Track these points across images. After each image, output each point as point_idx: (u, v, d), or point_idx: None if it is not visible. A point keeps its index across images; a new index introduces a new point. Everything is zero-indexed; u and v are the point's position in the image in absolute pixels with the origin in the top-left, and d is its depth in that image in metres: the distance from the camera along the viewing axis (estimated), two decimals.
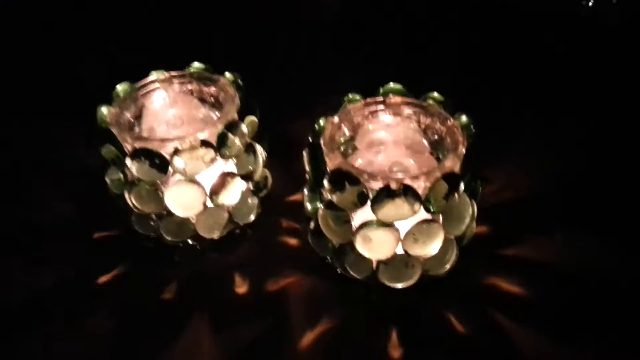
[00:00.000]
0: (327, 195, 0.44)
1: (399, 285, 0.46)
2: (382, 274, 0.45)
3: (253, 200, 0.52)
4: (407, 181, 0.41)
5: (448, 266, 0.46)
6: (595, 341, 0.46)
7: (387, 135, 0.50)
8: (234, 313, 0.50)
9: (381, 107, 0.48)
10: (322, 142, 0.44)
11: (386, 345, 0.47)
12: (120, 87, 0.51)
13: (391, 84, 0.49)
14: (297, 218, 0.57)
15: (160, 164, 0.46)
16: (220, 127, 0.46)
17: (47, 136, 0.70)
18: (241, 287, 0.52)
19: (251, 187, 0.53)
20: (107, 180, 0.50)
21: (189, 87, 0.53)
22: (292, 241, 0.56)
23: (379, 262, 0.45)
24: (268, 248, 0.55)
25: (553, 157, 0.63)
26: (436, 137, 0.48)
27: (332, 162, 0.43)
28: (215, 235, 0.51)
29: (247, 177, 0.51)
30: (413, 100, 0.48)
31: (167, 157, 0.46)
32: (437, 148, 0.47)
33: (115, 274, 0.54)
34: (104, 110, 0.48)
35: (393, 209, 0.41)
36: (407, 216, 0.42)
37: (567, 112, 0.69)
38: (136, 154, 0.45)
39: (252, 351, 0.48)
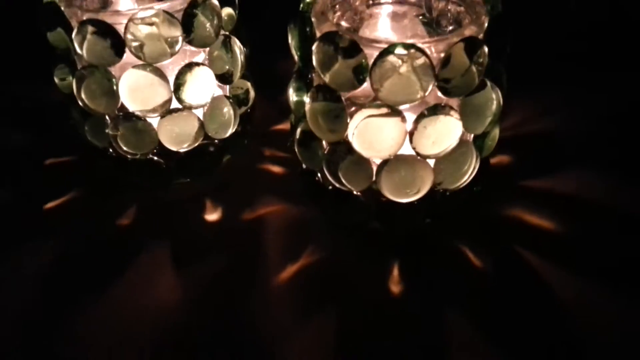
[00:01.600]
0: (317, 78, 0.35)
1: (404, 199, 0.37)
2: (384, 182, 0.36)
3: (230, 111, 0.43)
4: (418, 45, 0.32)
5: (466, 178, 0.37)
6: (627, 279, 0.37)
7: (391, 35, 0.41)
8: (201, 243, 0.41)
9: None
10: (311, 13, 0.36)
11: (385, 280, 0.38)
12: None
13: None
14: (283, 149, 0.48)
15: (114, 41, 0.37)
16: (183, 3, 0.38)
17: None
18: (211, 215, 0.43)
19: (227, 93, 0.44)
20: (56, 80, 0.42)
21: None
22: (276, 169, 0.47)
23: (380, 167, 0.36)
24: (247, 174, 0.46)
25: (583, 92, 0.54)
26: (453, 25, 0.39)
27: (324, 31, 0.34)
28: (184, 147, 0.42)
29: (222, 77, 0.42)
30: None
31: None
32: None
33: (66, 199, 0.45)
34: None
35: (398, 81, 0.32)
36: (416, 93, 0.33)
37: (604, 51, 0.60)
38: (84, 26, 0.37)
39: (220, 287, 0.38)
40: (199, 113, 0.42)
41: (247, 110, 0.46)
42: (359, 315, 0.36)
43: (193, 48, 0.40)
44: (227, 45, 0.42)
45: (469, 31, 0.34)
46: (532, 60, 0.54)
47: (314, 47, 0.34)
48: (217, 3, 0.40)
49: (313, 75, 0.37)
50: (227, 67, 0.42)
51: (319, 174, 0.40)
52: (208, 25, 0.39)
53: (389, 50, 0.32)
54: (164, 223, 0.43)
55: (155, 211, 0.44)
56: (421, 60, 0.32)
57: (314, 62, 0.34)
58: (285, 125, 0.50)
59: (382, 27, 0.41)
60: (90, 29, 0.37)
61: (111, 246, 0.41)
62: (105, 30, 0.37)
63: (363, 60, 0.33)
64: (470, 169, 0.37)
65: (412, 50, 0.31)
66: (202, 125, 0.42)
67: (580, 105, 0.52)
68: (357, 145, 0.35)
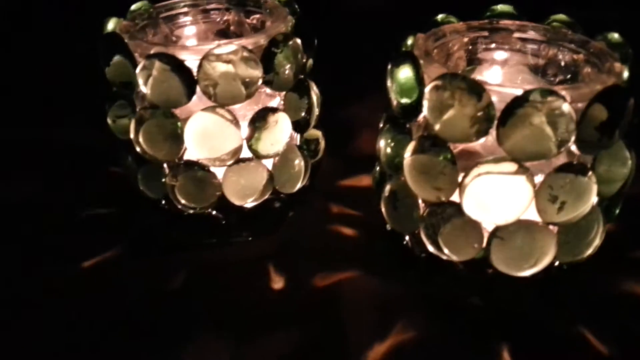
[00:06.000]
0: (417, 127, 0.31)
1: (519, 273, 0.31)
2: (497, 252, 0.31)
3: (301, 163, 0.38)
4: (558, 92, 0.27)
5: (591, 249, 0.32)
6: None
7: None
8: (267, 315, 0.35)
9: (485, 33, 0.36)
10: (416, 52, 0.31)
11: None
12: (135, 6, 0.39)
13: (499, 6, 0.36)
14: (352, 207, 0.43)
15: (185, 80, 0.32)
16: (264, 40, 0.34)
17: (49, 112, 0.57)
18: (277, 282, 0.37)
19: (298, 143, 0.39)
20: (109, 121, 0.37)
21: (225, 17, 0.41)
22: (346, 230, 0.41)
23: (493, 234, 0.30)
24: (314, 235, 0.41)
25: None
26: (565, 74, 0.35)
27: (435, 73, 0.29)
28: (249, 201, 0.37)
29: (297, 125, 0.37)
30: (530, 23, 0.35)
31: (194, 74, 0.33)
32: None
33: (106, 257, 0.39)
34: (112, 21, 0.36)
35: (529, 133, 0.27)
36: (548, 149, 0.27)
37: None
38: (152, 60, 0.32)
39: None
40: (268, 164, 0.37)
41: (316, 163, 0.41)
42: None
43: (268, 91, 0.36)
44: (304, 90, 0.37)
45: (606, 78, 0.29)
46: None
47: (427, 90, 0.29)
48: (300, 43, 0.35)
49: (411, 124, 0.32)
50: (303, 113, 0.37)
51: (407, 238, 0.35)
52: (288, 67, 0.35)
53: (526, 97, 0.27)
54: (222, 288, 0.37)
55: (212, 274, 0.38)
56: (562, 109, 0.27)
57: (425, 108, 0.29)
58: (352, 181, 0.45)
59: (480, 74, 0.37)
60: (158, 64, 0.32)
61: (159, 315, 0.35)
62: (177, 67, 0.32)
63: (489, 108, 0.28)
64: (597, 239, 0.32)
65: (551, 98, 0.27)
66: (271, 177, 0.37)
67: None
68: (468, 207, 0.30)
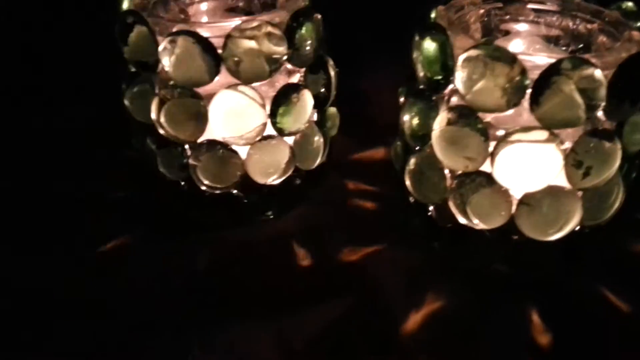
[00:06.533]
0: (441, 100, 0.31)
1: (547, 238, 0.32)
2: (523, 220, 0.31)
3: (320, 140, 0.38)
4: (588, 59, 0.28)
5: (612, 213, 0.33)
6: None
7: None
8: (297, 293, 0.35)
9: (499, 5, 0.36)
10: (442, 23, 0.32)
11: (528, 329, 0.33)
12: None
13: None
14: (367, 181, 0.43)
15: (210, 58, 0.32)
16: (286, 15, 0.33)
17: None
18: (304, 259, 0.37)
19: (315, 119, 0.39)
20: (127, 101, 0.36)
21: None
22: (368, 204, 0.41)
23: (523, 201, 0.31)
24: (335, 209, 0.41)
25: None
26: (578, 43, 0.36)
27: (461, 44, 0.30)
28: (271, 179, 0.37)
29: (316, 101, 0.37)
30: None
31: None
32: None
33: (128, 240, 0.39)
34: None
35: (559, 101, 0.28)
36: (577, 116, 0.28)
37: None
38: (176, 38, 0.32)
39: (331, 341, 0.32)
40: (289, 141, 0.37)
41: (333, 139, 0.42)
42: None
43: (289, 67, 0.36)
44: (323, 66, 0.37)
45: (630, 48, 0.30)
46: None
47: (459, 61, 0.29)
48: (320, 18, 0.35)
49: (437, 97, 0.33)
50: (323, 90, 0.37)
51: (431, 209, 0.36)
52: (309, 42, 0.35)
53: (558, 65, 0.27)
54: (248, 268, 0.37)
55: (237, 254, 0.38)
56: (594, 77, 0.27)
57: (457, 79, 0.30)
58: (363, 155, 0.46)
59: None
60: (182, 41, 0.32)
61: (185, 296, 0.35)
62: (202, 44, 0.32)
63: (523, 77, 0.28)
64: (617, 202, 0.33)
65: (582, 66, 0.27)
66: (293, 154, 0.37)
67: None
68: (499, 175, 0.31)
